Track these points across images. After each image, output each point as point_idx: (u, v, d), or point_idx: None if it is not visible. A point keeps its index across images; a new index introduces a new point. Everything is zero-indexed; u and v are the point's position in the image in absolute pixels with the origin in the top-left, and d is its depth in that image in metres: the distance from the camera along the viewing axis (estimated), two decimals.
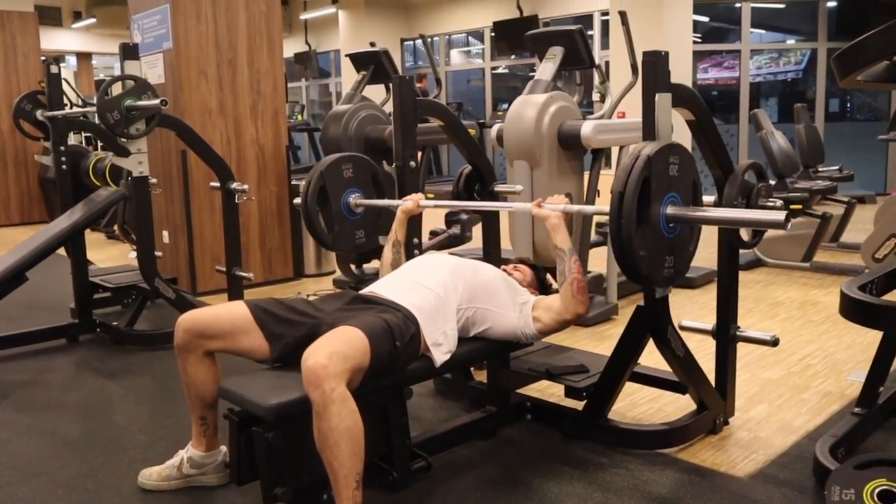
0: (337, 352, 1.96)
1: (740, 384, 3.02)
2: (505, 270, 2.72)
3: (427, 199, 2.89)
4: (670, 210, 2.17)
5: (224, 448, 2.42)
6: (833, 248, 5.89)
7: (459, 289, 2.40)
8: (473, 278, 2.47)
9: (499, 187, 3.36)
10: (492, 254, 3.36)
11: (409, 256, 2.92)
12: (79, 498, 2.43)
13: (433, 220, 5.31)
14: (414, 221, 2.99)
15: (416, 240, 3.04)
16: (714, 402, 2.74)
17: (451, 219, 5.38)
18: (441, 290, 2.37)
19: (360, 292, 2.47)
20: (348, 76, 12.51)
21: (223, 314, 2.29)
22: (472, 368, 3.14)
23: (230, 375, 2.27)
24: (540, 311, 2.51)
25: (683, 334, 2.65)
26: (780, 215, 1.96)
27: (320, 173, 2.99)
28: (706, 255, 5.65)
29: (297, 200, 3.05)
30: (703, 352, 2.88)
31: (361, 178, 3.10)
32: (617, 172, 2.14)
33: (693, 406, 2.76)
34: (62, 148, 4.82)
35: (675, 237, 2.22)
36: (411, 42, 13.93)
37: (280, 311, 2.28)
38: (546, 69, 4.24)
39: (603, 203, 4.50)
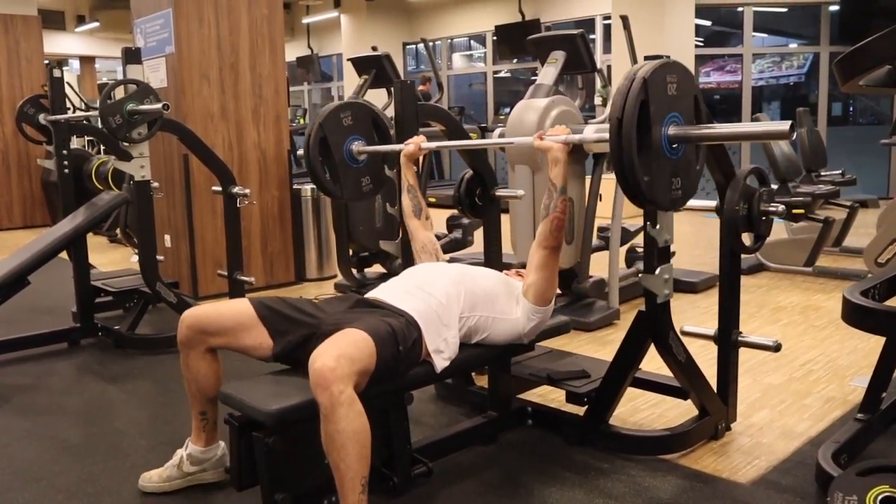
0: (345, 354, 1.95)
1: (742, 389, 3.01)
2: (507, 276, 2.72)
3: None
4: (672, 130, 2.11)
5: (223, 443, 2.42)
6: (836, 253, 5.87)
7: (461, 297, 2.39)
8: (476, 286, 2.46)
9: (500, 192, 3.35)
10: (493, 258, 3.35)
11: (408, 259, 2.92)
12: (79, 503, 2.43)
13: (435, 224, 5.30)
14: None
15: None
16: (716, 408, 2.73)
17: (452, 223, 5.39)
18: (443, 297, 2.37)
19: (364, 296, 2.47)
20: (350, 80, 12.52)
21: (226, 311, 2.30)
22: (473, 374, 3.14)
23: (231, 379, 2.27)
24: (526, 280, 2.50)
25: (685, 339, 2.64)
26: (785, 125, 1.91)
27: (319, 124, 2.98)
28: (708, 259, 5.64)
29: (301, 152, 3.03)
30: (705, 357, 2.87)
31: (361, 124, 3.09)
32: (613, 97, 2.08)
33: (695, 411, 2.75)
34: (65, 152, 4.83)
35: (680, 158, 2.16)
36: (413, 46, 13.94)
37: (284, 309, 2.28)
38: (548, 73, 4.24)
39: (605, 208, 4.50)
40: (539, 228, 2.46)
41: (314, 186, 5.68)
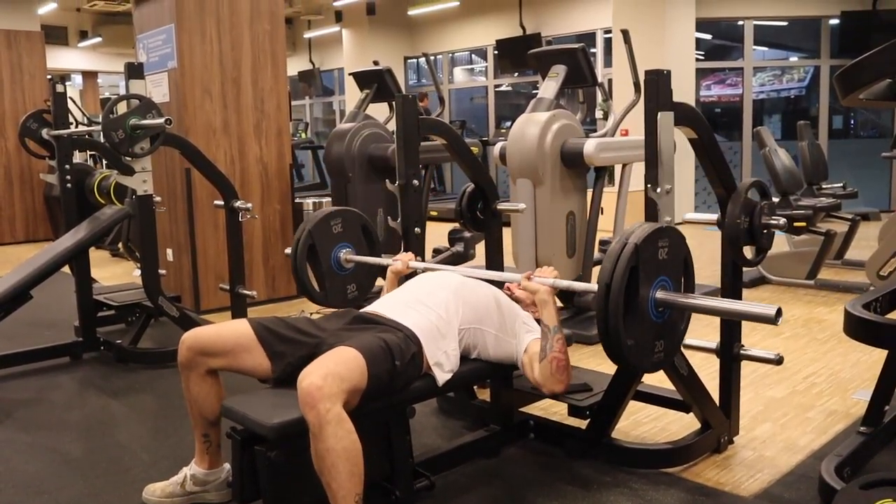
0: (332, 373, 1.96)
1: (744, 403, 3.01)
2: (508, 289, 2.71)
3: (417, 259, 2.88)
4: (660, 295, 2.14)
5: (227, 466, 2.42)
6: (837, 266, 5.87)
7: (461, 310, 2.40)
8: (475, 300, 2.45)
9: (502, 205, 3.36)
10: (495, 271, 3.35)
11: (413, 248, 2.91)
12: None
13: (436, 238, 5.32)
14: (417, 239, 2.99)
15: (418, 258, 3.04)
16: (718, 421, 2.73)
17: (454, 237, 5.39)
18: (443, 310, 2.37)
19: (362, 311, 2.47)
20: (352, 94, 12.57)
21: (226, 332, 2.30)
22: (475, 387, 3.13)
23: (233, 394, 2.27)
24: (527, 360, 2.45)
25: (687, 353, 2.64)
26: (771, 310, 1.94)
27: (308, 231, 2.99)
28: (710, 272, 5.63)
29: (288, 251, 3.05)
30: (707, 370, 2.87)
31: (351, 232, 3.11)
32: (603, 262, 2.11)
33: (697, 425, 2.75)
34: (67, 166, 4.84)
35: (665, 321, 2.19)
36: (415, 60, 14.00)
37: (283, 330, 2.28)
38: (549, 87, 4.26)
39: (606, 221, 4.50)
40: (539, 370, 2.38)
41: (316, 200, 5.72)
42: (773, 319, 1.94)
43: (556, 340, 2.35)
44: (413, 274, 2.83)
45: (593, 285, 2.15)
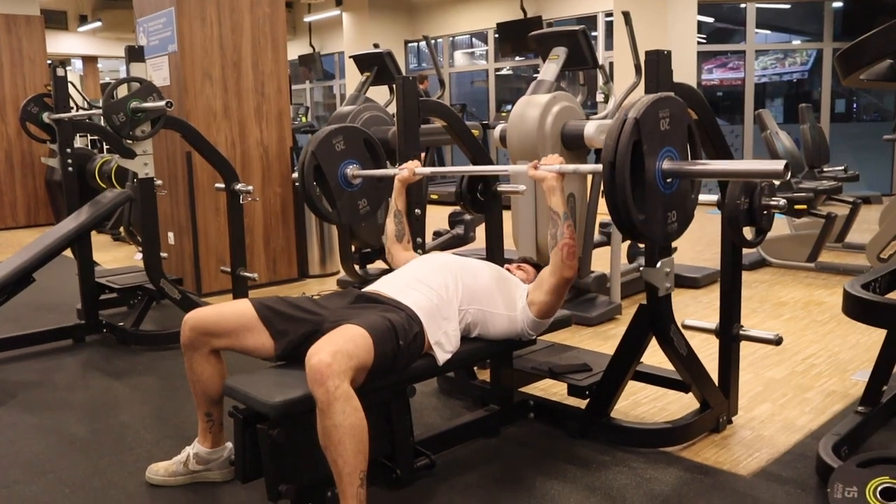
0: (341, 350, 1.97)
1: (744, 383, 3.03)
2: (508, 270, 2.73)
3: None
4: (666, 165, 2.09)
5: (230, 444, 2.44)
6: (838, 249, 5.88)
7: (461, 291, 2.41)
8: (474, 281, 2.47)
9: (502, 188, 3.36)
10: (495, 254, 3.37)
11: (413, 229, 2.94)
12: (85, 496, 2.45)
13: (437, 220, 5.33)
14: (417, 221, 3.00)
15: (419, 239, 3.05)
16: (717, 401, 2.75)
17: (454, 219, 5.40)
18: (443, 291, 2.38)
19: (364, 290, 2.48)
20: (352, 78, 12.54)
21: (228, 312, 2.31)
22: (475, 367, 3.15)
23: (235, 374, 2.29)
24: (532, 292, 2.49)
25: (687, 333, 2.65)
26: (779, 164, 1.90)
27: (312, 152, 2.99)
28: (710, 255, 5.64)
29: (295, 175, 3.04)
30: (707, 351, 2.88)
31: (354, 147, 3.10)
32: (605, 140, 2.06)
33: (696, 405, 2.76)
34: (68, 150, 4.85)
35: (675, 191, 2.14)
36: (415, 44, 13.95)
37: (284, 309, 2.30)
38: (549, 70, 4.25)
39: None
40: (552, 257, 2.42)
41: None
42: (781, 173, 1.89)
43: (566, 227, 2.38)
44: (415, 244, 2.84)
45: (598, 166, 2.11)
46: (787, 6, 10.70)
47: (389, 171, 2.98)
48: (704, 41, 10.30)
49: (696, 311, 4.45)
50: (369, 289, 2.48)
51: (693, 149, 2.21)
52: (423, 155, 2.97)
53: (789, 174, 1.91)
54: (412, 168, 2.85)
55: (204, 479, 2.47)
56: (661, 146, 2.07)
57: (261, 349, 2.28)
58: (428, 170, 2.89)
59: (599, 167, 2.09)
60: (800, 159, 5.82)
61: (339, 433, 1.92)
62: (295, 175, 3.09)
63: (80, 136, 9.26)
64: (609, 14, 10.00)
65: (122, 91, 3.72)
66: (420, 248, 3.05)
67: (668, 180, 2.11)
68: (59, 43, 15.63)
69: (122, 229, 6.71)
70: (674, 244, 2.66)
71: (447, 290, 2.39)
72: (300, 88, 16.22)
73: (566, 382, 2.78)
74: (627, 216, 2.03)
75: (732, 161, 2.40)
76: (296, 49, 15.25)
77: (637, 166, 2.03)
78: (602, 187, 2.10)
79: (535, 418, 2.89)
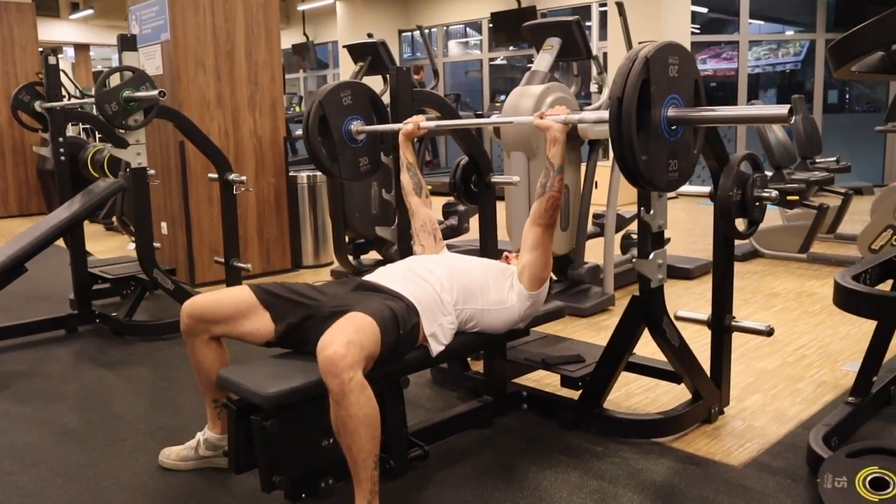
0: (354, 341, 1.97)
1: (735, 374, 3.04)
2: (506, 259, 2.72)
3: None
4: (671, 112, 2.09)
5: None
6: (830, 240, 5.90)
7: (455, 291, 2.40)
8: (470, 281, 2.45)
9: (496, 178, 3.37)
10: (489, 245, 3.37)
11: (403, 246, 2.93)
12: (78, 486, 2.45)
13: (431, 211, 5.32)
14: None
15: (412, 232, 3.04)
16: (709, 392, 2.76)
17: (448, 210, 5.40)
18: (439, 287, 2.38)
19: (363, 279, 2.47)
20: (346, 67, 12.48)
21: (225, 298, 2.31)
22: (468, 358, 3.16)
23: (236, 362, 2.29)
24: (521, 259, 2.52)
25: (679, 324, 2.67)
26: (783, 109, 1.91)
27: (319, 102, 2.98)
28: (703, 246, 5.66)
29: (300, 132, 3.03)
30: (699, 342, 2.89)
31: (360, 104, 3.10)
32: (615, 76, 2.06)
33: (688, 396, 2.78)
34: (60, 139, 4.82)
35: (678, 140, 2.14)
36: (409, 33, 13.91)
37: (283, 292, 2.30)
38: (543, 60, 4.25)
39: (600, 195, 4.51)
40: (534, 206, 2.47)
41: (310, 174, 5.72)
42: (785, 117, 1.90)
43: (557, 180, 2.43)
44: (408, 249, 2.83)
45: (604, 112, 2.11)
46: None
47: (395, 126, 2.97)
48: (698, 31, 10.30)
49: (689, 302, 4.46)
50: (368, 278, 2.48)
51: (697, 102, 2.20)
52: (417, 146, 2.96)
53: (793, 118, 1.90)
54: (416, 121, 2.84)
55: (214, 464, 2.49)
56: (668, 91, 2.08)
57: (259, 333, 2.28)
58: (433, 123, 2.88)
59: (605, 114, 2.08)
60: (792, 150, 5.83)
61: (355, 423, 1.93)
62: (299, 132, 3.07)
63: (73, 125, 9.21)
64: (603, 4, 9.97)
65: (115, 80, 3.71)
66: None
67: (673, 127, 2.11)
68: (51, 30, 15.53)
69: (114, 219, 6.70)
70: (667, 235, 2.67)
71: (443, 287, 2.39)
72: (294, 78, 16.15)
73: (559, 373, 2.79)
74: (632, 154, 2.02)
75: (736, 107, 2.37)
76: (289, 38, 15.18)
77: (643, 109, 2.03)
78: (607, 134, 2.05)
79: (528, 409, 2.90)
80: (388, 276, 2.46)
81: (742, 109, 2.27)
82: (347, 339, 1.96)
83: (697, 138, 2.23)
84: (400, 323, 2.17)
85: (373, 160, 3.16)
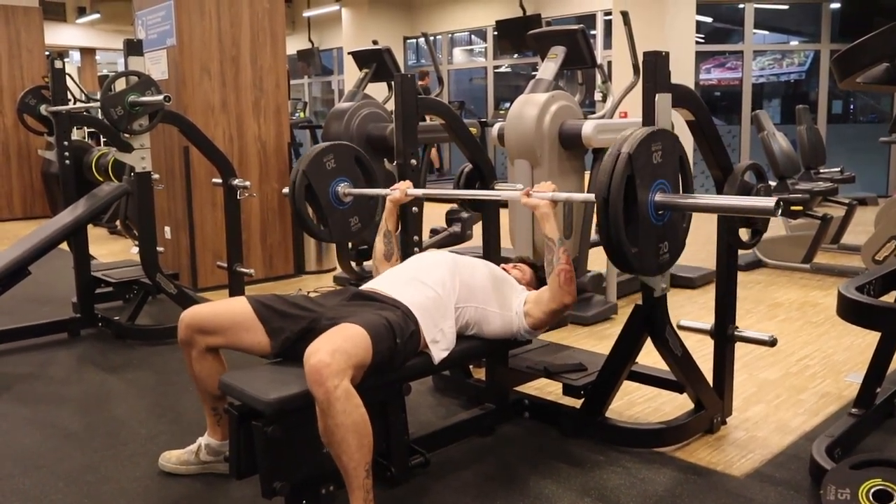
0: (339, 349, 1.97)
1: (738, 384, 3.04)
2: (504, 269, 2.73)
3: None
4: (659, 198, 2.13)
5: None
6: (833, 250, 5.90)
7: (457, 288, 2.41)
8: (471, 278, 2.48)
9: (499, 186, 3.37)
10: (491, 252, 3.37)
11: (406, 250, 2.94)
12: (79, 490, 2.45)
13: (434, 218, 5.32)
14: (414, 219, 3.00)
15: (416, 237, 3.05)
16: (711, 402, 2.75)
17: (451, 217, 5.40)
18: (440, 288, 2.39)
19: (360, 288, 2.48)
20: (351, 74, 12.51)
21: (223, 311, 2.31)
22: (470, 366, 3.16)
23: (232, 370, 2.29)
24: (530, 306, 2.52)
25: (682, 334, 2.66)
26: (770, 202, 1.93)
27: (302, 172, 3.00)
28: (706, 255, 5.65)
29: (286, 191, 3.06)
30: (702, 352, 2.89)
31: (345, 165, 3.11)
32: (598, 175, 2.09)
33: (690, 405, 2.77)
34: (66, 143, 4.84)
35: (666, 223, 2.18)
36: (414, 40, 13.94)
37: (280, 306, 2.30)
38: (548, 68, 4.25)
39: None
40: (549, 285, 2.47)
41: None
42: (772, 210, 1.92)
43: (562, 252, 2.43)
44: (409, 251, 2.84)
45: (591, 195, 2.14)
46: (785, 7, 10.71)
47: (381, 190, 2.99)
48: (703, 41, 10.31)
49: (692, 311, 4.45)
50: (366, 286, 2.48)
51: (685, 179, 2.26)
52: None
53: (780, 212, 1.93)
54: (404, 189, 2.84)
55: (213, 470, 2.49)
56: (653, 179, 2.12)
57: (256, 347, 2.28)
58: (420, 191, 2.88)
59: (592, 196, 2.13)
60: (796, 160, 5.83)
61: (342, 431, 1.92)
62: (286, 190, 3.09)
63: (78, 129, 9.24)
64: (608, 13, 9.99)
65: (121, 84, 3.72)
66: (417, 245, 3.05)
67: (660, 212, 2.15)
68: (58, 35, 15.59)
69: (118, 223, 6.71)
70: None
71: (444, 287, 2.39)
72: (298, 83, 16.19)
73: (561, 382, 2.78)
74: (621, 250, 2.08)
75: (724, 196, 2.46)
76: (295, 44, 15.23)
77: (630, 201, 2.07)
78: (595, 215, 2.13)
79: (529, 417, 2.89)
80: (386, 282, 2.46)
81: (729, 200, 2.36)
82: (333, 347, 1.96)
83: (686, 215, 2.27)
84: (396, 331, 2.17)
85: (364, 218, 3.18)
